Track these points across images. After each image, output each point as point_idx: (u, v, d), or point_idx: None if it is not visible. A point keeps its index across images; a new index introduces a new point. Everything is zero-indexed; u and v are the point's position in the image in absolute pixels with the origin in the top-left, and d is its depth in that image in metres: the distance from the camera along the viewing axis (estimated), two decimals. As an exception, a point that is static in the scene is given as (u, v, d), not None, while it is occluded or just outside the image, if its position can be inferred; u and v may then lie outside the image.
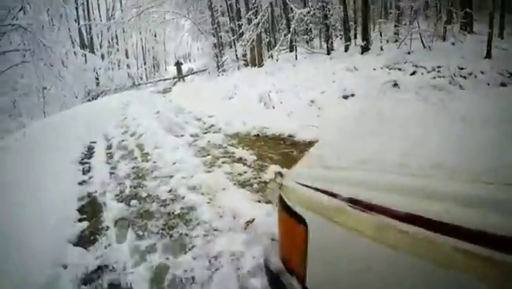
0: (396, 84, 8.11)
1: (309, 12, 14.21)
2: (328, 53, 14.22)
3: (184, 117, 10.24)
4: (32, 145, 7.58)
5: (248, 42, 15.54)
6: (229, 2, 20.47)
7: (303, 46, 15.53)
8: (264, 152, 5.92)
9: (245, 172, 5.06)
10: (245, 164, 5.41)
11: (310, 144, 5.95)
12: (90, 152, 7.69)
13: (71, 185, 5.44)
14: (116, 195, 4.81)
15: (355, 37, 15.18)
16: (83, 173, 6.08)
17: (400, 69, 9.44)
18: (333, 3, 14.70)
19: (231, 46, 23.17)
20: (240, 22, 19.41)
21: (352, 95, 8.35)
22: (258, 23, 15.31)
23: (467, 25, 11.38)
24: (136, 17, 20.27)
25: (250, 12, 16.77)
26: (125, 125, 10.27)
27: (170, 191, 4.65)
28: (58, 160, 6.46)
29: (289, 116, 8.19)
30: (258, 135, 7.22)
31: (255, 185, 4.57)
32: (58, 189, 5.07)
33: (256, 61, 17.32)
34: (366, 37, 12.62)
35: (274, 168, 5.01)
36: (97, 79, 25.01)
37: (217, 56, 22.29)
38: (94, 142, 8.55)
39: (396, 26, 13.55)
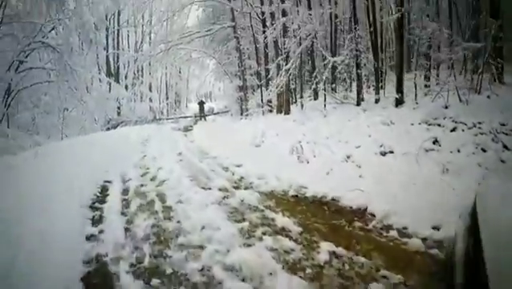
0: (436, 141, 7.31)
1: (343, 61, 13.44)
2: (358, 104, 13.38)
3: (209, 163, 9.19)
4: (40, 170, 6.70)
5: (276, 87, 14.80)
6: (257, 46, 20.06)
7: (332, 95, 14.71)
8: (308, 222, 4.90)
9: (293, 249, 4.02)
10: (290, 237, 4.38)
11: (360, 212, 5.21)
12: (103, 194, 6.70)
13: (77, 237, 4.46)
14: (132, 265, 3.78)
15: (382, 87, 14.27)
16: (93, 224, 5.08)
17: (439, 125, 8.39)
18: (365, 52, 13.93)
19: (255, 90, 22.66)
20: (268, 67, 18.87)
21: (391, 152, 7.60)
22: (289, 69, 14.64)
23: (499, 76, 10.44)
24: (163, 51, 19.85)
25: (280, 57, 16.16)
26: (144, 166, 9.29)
27: (202, 270, 3.61)
28: (65, 198, 5.52)
29: (327, 173, 7.19)
30: (297, 196, 6.20)
31: (308, 270, 3.57)
32: (60, 242, 4.07)
33: (282, 108, 16.56)
34: (400, 89, 11.76)
35: (326, 247, 3.99)
36: (119, 108, 24.54)
37: (241, 99, 21.65)
38: (109, 182, 7.57)
39: (426, 76, 12.67)
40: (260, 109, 19.80)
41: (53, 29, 17.73)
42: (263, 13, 19.11)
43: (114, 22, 25.62)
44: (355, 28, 13.57)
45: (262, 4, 19.09)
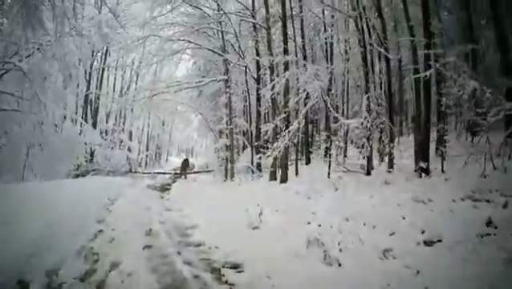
0: (490, 222, 5.39)
1: (362, 124, 10.78)
2: (368, 173, 10.79)
3: (191, 260, 5.75)
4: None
5: (274, 151, 12.08)
6: (250, 102, 17.67)
7: (338, 162, 12.03)
8: None
9: None
10: None
11: None
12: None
13: None
14: None
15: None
16: None
17: (488, 200, 6.44)
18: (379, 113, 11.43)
19: (241, 151, 19.91)
20: (261, 126, 16.45)
21: (439, 240, 5.40)
22: (296, 130, 12.11)
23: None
24: (147, 98, 16.99)
25: (279, 117, 13.64)
26: (93, 254, 5.94)
27: None
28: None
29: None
30: None
31: None
32: None
33: (277, 174, 13.79)
34: (426, 156, 9.25)
35: None
36: (92, 154, 21.23)
37: (226, 159, 18.83)
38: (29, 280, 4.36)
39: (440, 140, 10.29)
40: (249, 173, 17.01)
41: (29, 55, 14.84)
42: (259, 67, 16.90)
43: (100, 60, 22.95)
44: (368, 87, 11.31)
45: (257, 55, 16.90)
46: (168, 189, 15.75)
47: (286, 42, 14.00)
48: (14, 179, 14.40)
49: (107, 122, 25.72)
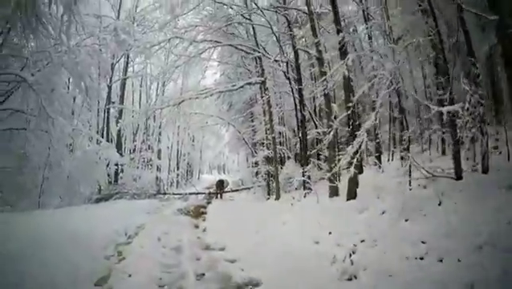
0: None
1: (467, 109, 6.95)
2: (459, 177, 7.17)
3: None
4: None
5: (353, 155, 8.40)
6: (297, 105, 14.17)
7: (417, 165, 8.18)
8: None
9: None
10: None
11: None
12: None
13: None
14: None
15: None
16: None
17: None
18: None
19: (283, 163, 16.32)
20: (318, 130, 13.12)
21: None
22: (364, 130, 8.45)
23: None
24: (174, 106, 13.56)
25: (340, 117, 10.17)
26: None
27: None
28: None
29: None
30: None
31: None
32: None
33: (340, 189, 10.23)
34: None
35: None
36: (116, 176, 18.15)
37: (268, 175, 15.32)
38: None
39: None
40: (295, 190, 13.43)
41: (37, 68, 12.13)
42: (298, 67, 13.52)
43: (121, 71, 19.99)
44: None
45: (295, 53, 13.57)
46: (203, 214, 12.34)
47: (337, 21, 10.58)
48: (30, 205, 11.86)
49: (134, 140, 22.69)
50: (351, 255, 5.56)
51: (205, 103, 24.26)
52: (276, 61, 14.18)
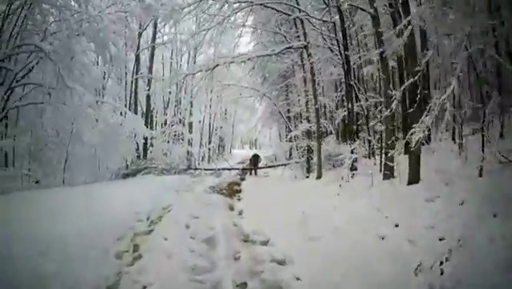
0: None
1: None
2: None
3: None
4: None
5: (418, 131, 6.43)
6: (348, 71, 12.15)
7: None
8: None
9: None
10: None
11: None
12: None
13: None
14: None
15: None
16: None
17: None
18: None
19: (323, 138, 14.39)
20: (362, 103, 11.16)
21: None
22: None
23: None
24: (207, 71, 11.71)
25: (405, 84, 8.17)
26: None
27: None
28: None
29: None
30: None
31: None
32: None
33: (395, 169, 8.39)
34: None
35: None
36: (145, 150, 16.86)
37: (308, 150, 13.55)
38: None
39: None
40: (338, 168, 11.61)
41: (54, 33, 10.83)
42: (345, 33, 11.42)
43: (148, 39, 18.33)
44: None
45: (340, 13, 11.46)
46: (237, 192, 10.77)
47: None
48: (55, 181, 11.21)
49: (164, 114, 21.27)
50: (442, 263, 3.84)
51: (239, 75, 22.76)
52: (324, 21, 12.09)
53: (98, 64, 14.33)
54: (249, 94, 20.33)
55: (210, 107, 24.70)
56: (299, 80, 15.95)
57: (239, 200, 9.43)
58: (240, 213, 7.74)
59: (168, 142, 19.82)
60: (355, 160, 10.77)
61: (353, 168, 10.71)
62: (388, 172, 8.65)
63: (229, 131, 31.60)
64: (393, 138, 9.20)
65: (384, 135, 10.21)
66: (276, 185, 12.12)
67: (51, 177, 11.34)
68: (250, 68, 22.41)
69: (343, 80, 12.98)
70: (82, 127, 10.43)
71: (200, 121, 24.05)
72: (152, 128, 20.28)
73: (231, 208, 8.28)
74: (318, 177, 12.08)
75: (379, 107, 11.78)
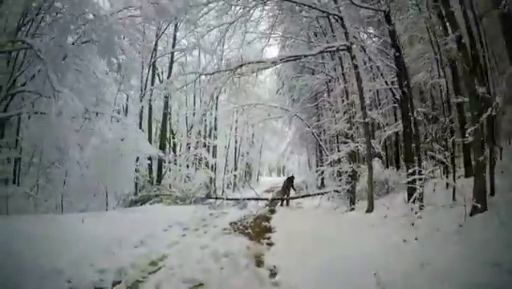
0: None
1: None
2: None
3: None
4: None
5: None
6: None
7: None
8: None
9: None
10: None
11: None
12: None
13: None
14: None
15: None
16: None
17: None
18: None
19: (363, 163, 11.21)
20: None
21: None
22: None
23: None
24: (231, 71, 8.69)
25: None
26: None
27: None
28: None
29: None
30: None
31: None
32: None
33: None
34: None
35: None
36: (159, 175, 14.12)
37: (352, 177, 10.43)
38: None
39: None
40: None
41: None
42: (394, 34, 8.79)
43: (168, 46, 15.82)
44: None
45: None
46: (267, 232, 7.59)
47: None
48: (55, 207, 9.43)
49: (188, 135, 18.54)
50: None
51: (266, 97, 20.11)
52: (375, 10, 9.18)
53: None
54: (277, 115, 17.53)
55: (236, 130, 21.89)
56: (338, 95, 13.13)
57: (270, 245, 6.27)
58: (272, 273, 4.60)
59: (188, 166, 16.90)
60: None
61: (419, 199, 7.66)
62: (479, 205, 5.70)
63: (256, 157, 28.53)
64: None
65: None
66: (317, 220, 8.93)
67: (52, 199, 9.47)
68: (279, 87, 19.84)
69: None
70: (68, 141, 7.74)
71: (225, 147, 21.17)
72: (174, 151, 17.67)
73: (259, 262, 5.13)
74: (369, 209, 8.88)
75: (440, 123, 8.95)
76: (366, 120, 9.35)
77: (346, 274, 4.14)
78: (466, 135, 6.56)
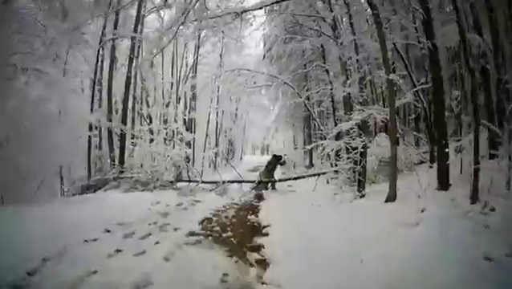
0: None
1: None
2: None
3: None
4: None
5: None
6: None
7: None
8: None
9: None
10: None
11: None
12: None
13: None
14: None
15: None
16: None
17: None
18: None
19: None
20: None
21: None
22: None
23: None
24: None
25: None
26: None
27: None
28: None
29: None
30: None
31: None
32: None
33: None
34: None
35: None
36: (121, 153, 11.18)
37: (362, 155, 7.84)
38: None
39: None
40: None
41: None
42: None
43: None
44: None
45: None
46: (256, 234, 4.89)
47: None
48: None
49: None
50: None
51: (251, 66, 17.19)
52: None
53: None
54: (268, 81, 14.55)
55: (218, 101, 18.82)
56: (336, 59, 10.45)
57: (262, 265, 3.61)
58: None
59: (158, 144, 13.78)
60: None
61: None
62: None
63: (240, 133, 25.59)
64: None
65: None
66: (324, 214, 6.24)
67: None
68: (266, 51, 16.86)
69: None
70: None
71: (207, 121, 18.20)
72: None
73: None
74: (391, 198, 6.34)
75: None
76: (390, 76, 6.63)
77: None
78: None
